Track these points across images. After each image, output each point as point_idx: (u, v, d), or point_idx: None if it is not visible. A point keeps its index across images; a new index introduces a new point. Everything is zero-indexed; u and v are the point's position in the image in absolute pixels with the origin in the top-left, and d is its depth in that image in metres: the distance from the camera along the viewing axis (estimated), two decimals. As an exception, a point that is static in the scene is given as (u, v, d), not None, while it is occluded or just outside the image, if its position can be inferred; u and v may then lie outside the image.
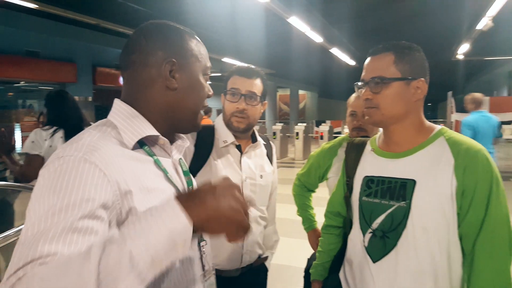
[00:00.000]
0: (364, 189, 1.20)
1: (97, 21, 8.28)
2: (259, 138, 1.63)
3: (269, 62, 16.61)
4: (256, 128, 1.59)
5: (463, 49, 11.63)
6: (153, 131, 0.86)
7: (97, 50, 11.29)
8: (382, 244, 1.13)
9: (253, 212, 1.53)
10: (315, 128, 13.66)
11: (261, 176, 1.56)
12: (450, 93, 9.40)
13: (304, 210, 2.09)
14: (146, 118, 0.87)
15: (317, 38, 9.98)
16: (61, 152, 0.74)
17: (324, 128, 12.07)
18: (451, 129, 6.39)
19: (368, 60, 1.19)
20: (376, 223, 1.14)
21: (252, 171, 1.54)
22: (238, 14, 9.49)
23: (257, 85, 1.53)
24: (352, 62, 15.34)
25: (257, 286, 1.64)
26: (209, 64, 0.96)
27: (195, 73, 0.91)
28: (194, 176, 1.44)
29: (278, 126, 12.09)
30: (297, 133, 11.81)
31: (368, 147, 1.27)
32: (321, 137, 11.86)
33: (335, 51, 12.27)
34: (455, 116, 9.22)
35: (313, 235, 2.02)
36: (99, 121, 0.88)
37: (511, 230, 1.08)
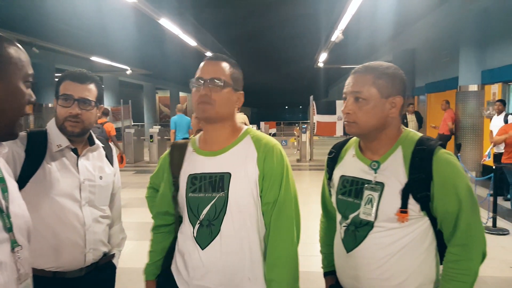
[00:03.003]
0: (190, 186, 1.32)
1: None
2: (97, 141, 1.63)
3: (145, 63, 16.09)
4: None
5: (323, 58, 13.05)
6: None
7: None
8: (209, 231, 1.27)
9: (94, 212, 1.53)
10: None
11: (101, 177, 1.58)
12: (311, 97, 10.48)
13: None
14: None
15: (191, 42, 10.05)
16: None
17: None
18: (313, 128, 7.20)
19: (207, 63, 1.32)
20: (203, 215, 1.28)
21: (91, 173, 1.55)
22: (106, 12, 8.98)
23: (91, 90, 1.53)
24: (228, 66, 15.87)
25: (104, 284, 1.63)
26: (30, 71, 0.95)
27: (13, 81, 0.90)
28: (27, 181, 1.40)
29: (155, 129, 11.75)
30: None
31: (190, 148, 1.39)
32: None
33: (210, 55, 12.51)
34: (316, 118, 10.33)
35: None
36: None
37: (298, 208, 1.34)
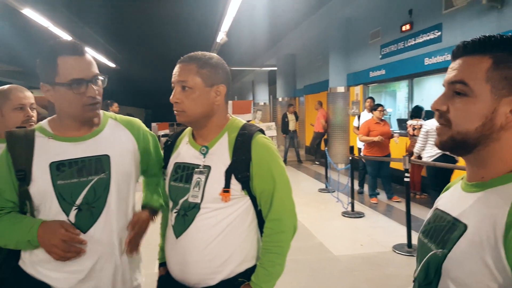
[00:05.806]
0: (57, 173, 1.26)
1: None
2: None
3: (13, 58, 14.21)
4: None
5: (212, 58, 13.15)
6: None
7: None
8: (90, 214, 1.29)
9: None
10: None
11: None
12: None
13: None
14: None
15: (65, 36, 9.22)
16: None
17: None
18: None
19: (84, 58, 1.28)
20: (79, 199, 1.27)
21: None
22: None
23: None
24: (112, 64, 15.02)
25: None
26: None
27: None
28: None
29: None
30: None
31: (40, 135, 1.31)
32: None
33: (90, 51, 11.65)
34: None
35: None
36: None
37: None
